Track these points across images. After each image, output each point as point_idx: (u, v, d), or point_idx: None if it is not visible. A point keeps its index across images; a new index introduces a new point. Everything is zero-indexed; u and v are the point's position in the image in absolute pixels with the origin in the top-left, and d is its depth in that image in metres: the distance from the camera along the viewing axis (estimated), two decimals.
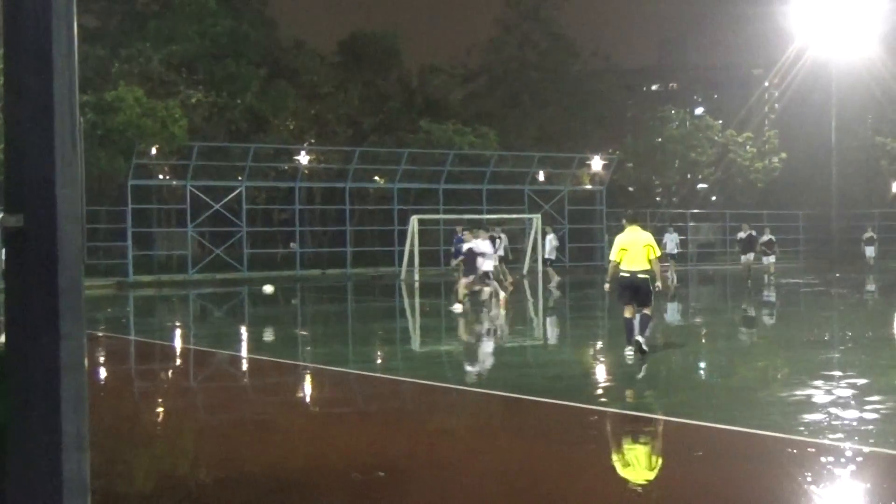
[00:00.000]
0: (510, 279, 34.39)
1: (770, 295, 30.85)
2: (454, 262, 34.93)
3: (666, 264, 33.14)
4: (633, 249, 14.65)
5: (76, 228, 2.92)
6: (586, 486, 7.73)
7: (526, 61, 65.93)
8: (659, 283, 15.11)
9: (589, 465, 8.43)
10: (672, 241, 39.49)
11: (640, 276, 14.62)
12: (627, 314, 14.75)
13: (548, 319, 25.35)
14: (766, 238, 37.26)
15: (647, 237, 14.84)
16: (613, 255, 14.90)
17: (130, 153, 41.55)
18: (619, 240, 14.94)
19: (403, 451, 9.03)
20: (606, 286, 16.25)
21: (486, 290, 25.41)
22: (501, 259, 35.07)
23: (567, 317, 26.51)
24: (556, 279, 36.56)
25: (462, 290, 24.81)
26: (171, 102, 43.58)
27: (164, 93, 45.81)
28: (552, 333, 21.69)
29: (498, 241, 35.18)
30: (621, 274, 14.74)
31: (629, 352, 14.54)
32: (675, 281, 36.33)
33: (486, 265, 24.94)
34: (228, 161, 47.67)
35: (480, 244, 24.66)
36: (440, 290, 31.42)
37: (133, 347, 19.59)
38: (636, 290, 14.67)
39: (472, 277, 24.81)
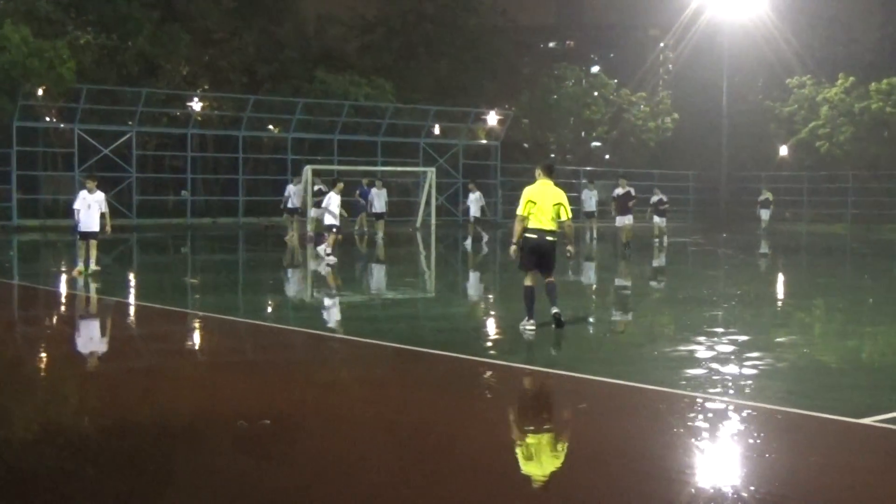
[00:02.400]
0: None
1: (658, 255, 31.33)
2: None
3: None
4: (543, 205, 12.71)
5: None
6: (471, 436, 7.81)
7: (423, 14, 65.47)
8: (571, 248, 13.38)
9: (475, 416, 8.52)
10: (591, 198, 37.91)
11: (549, 238, 12.75)
12: (529, 282, 12.83)
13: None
14: (656, 198, 34.99)
15: (561, 194, 12.94)
16: (521, 210, 12.76)
17: (16, 94, 40.40)
18: (528, 192, 12.87)
19: (292, 401, 9.02)
20: (513, 248, 12.97)
21: None
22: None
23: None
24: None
25: None
26: (59, 43, 42.25)
27: (51, 33, 44.37)
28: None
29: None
30: (527, 235, 12.70)
31: (530, 327, 12.65)
32: (594, 239, 36.14)
33: None
34: (118, 105, 46.62)
35: None
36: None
37: (16, 292, 19.15)
38: (542, 254, 12.80)
39: None
